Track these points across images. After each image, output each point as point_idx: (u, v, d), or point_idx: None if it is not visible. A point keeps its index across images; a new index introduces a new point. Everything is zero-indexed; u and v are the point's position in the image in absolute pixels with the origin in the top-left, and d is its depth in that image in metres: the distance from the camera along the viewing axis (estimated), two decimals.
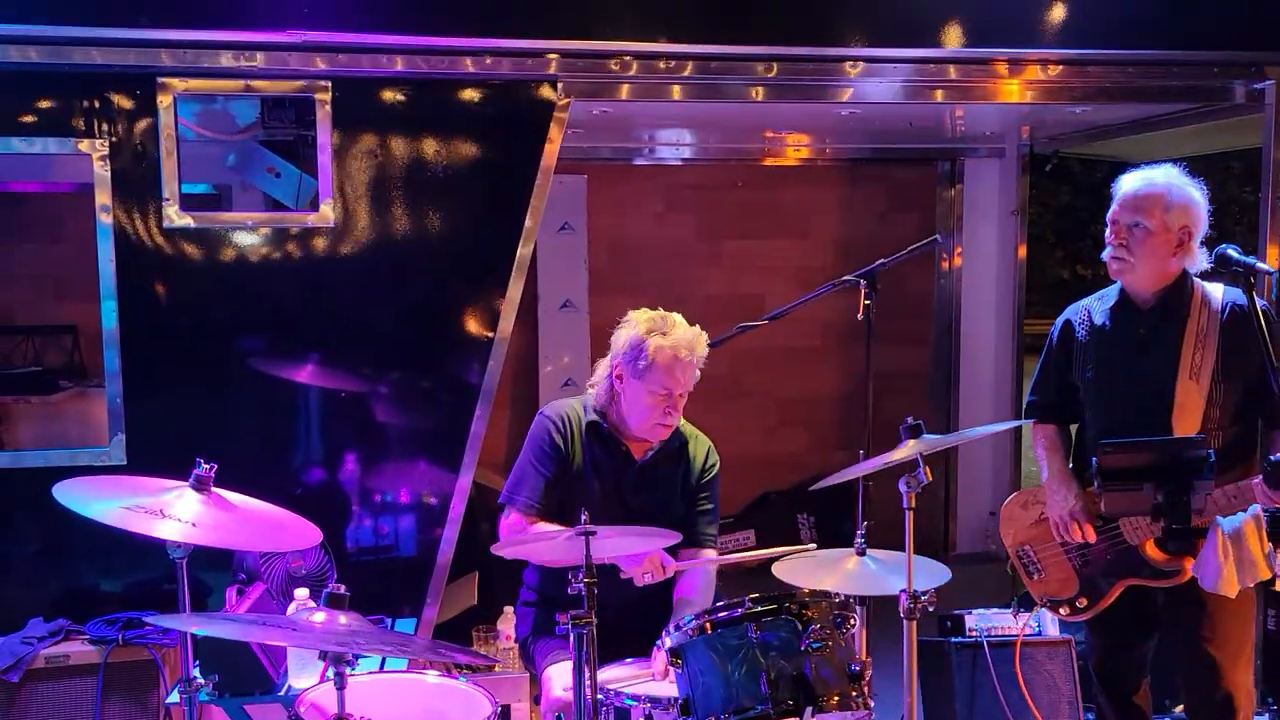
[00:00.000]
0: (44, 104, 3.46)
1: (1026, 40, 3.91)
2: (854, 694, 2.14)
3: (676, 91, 3.78)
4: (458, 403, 3.69)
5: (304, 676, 2.67)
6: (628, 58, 3.64)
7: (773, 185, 6.30)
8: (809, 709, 2.03)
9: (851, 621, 2.25)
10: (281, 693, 2.67)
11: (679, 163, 6.13)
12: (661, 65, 3.70)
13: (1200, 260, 2.84)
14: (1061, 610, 3.10)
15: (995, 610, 3.71)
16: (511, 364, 5.83)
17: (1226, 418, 2.78)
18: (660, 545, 2.39)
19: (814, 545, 2.79)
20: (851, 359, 6.29)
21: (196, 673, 2.43)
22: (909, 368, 6.29)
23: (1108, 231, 2.91)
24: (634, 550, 2.50)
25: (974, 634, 3.61)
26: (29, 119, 3.47)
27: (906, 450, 2.43)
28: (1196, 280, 2.89)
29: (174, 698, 2.49)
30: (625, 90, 3.71)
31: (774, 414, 6.46)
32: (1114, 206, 2.90)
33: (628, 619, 2.78)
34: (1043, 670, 3.59)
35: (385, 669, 2.75)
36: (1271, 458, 2.15)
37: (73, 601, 3.45)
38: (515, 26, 3.57)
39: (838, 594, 2.27)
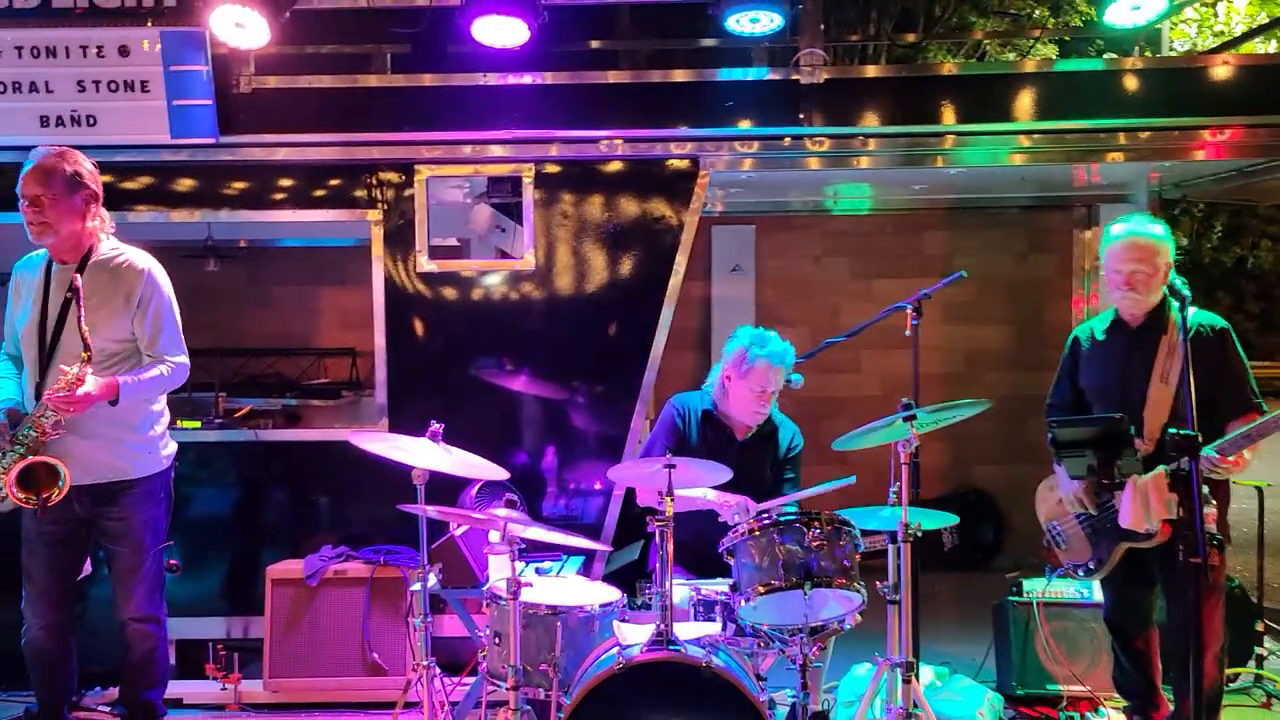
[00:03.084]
0: (337, 184, 4.89)
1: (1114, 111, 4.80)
2: (844, 580, 3.12)
3: (805, 163, 4.86)
4: (620, 405, 4.84)
5: (498, 576, 3.86)
6: (751, 140, 4.76)
7: (919, 230, 7.16)
8: (808, 584, 3.03)
9: (846, 533, 3.21)
10: (484, 588, 3.88)
11: (834, 213, 7.09)
12: (786, 142, 4.80)
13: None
14: (1080, 572, 3.86)
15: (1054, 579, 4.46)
16: (687, 382, 6.94)
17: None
18: (718, 479, 3.41)
19: (853, 477, 3.70)
20: (991, 384, 7.04)
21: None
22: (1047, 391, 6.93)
23: (1116, 276, 3.67)
24: (700, 478, 3.49)
25: (1028, 596, 4.41)
26: (325, 194, 4.91)
27: (898, 420, 3.36)
28: (1174, 303, 3.65)
29: (415, 586, 3.76)
30: (748, 164, 4.82)
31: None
32: (1116, 256, 3.65)
33: None
34: (1087, 627, 4.34)
35: (560, 575, 3.94)
36: (1169, 430, 2.94)
37: (351, 536, 4.84)
38: (665, 119, 4.76)
39: (837, 515, 3.24)
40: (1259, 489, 4.81)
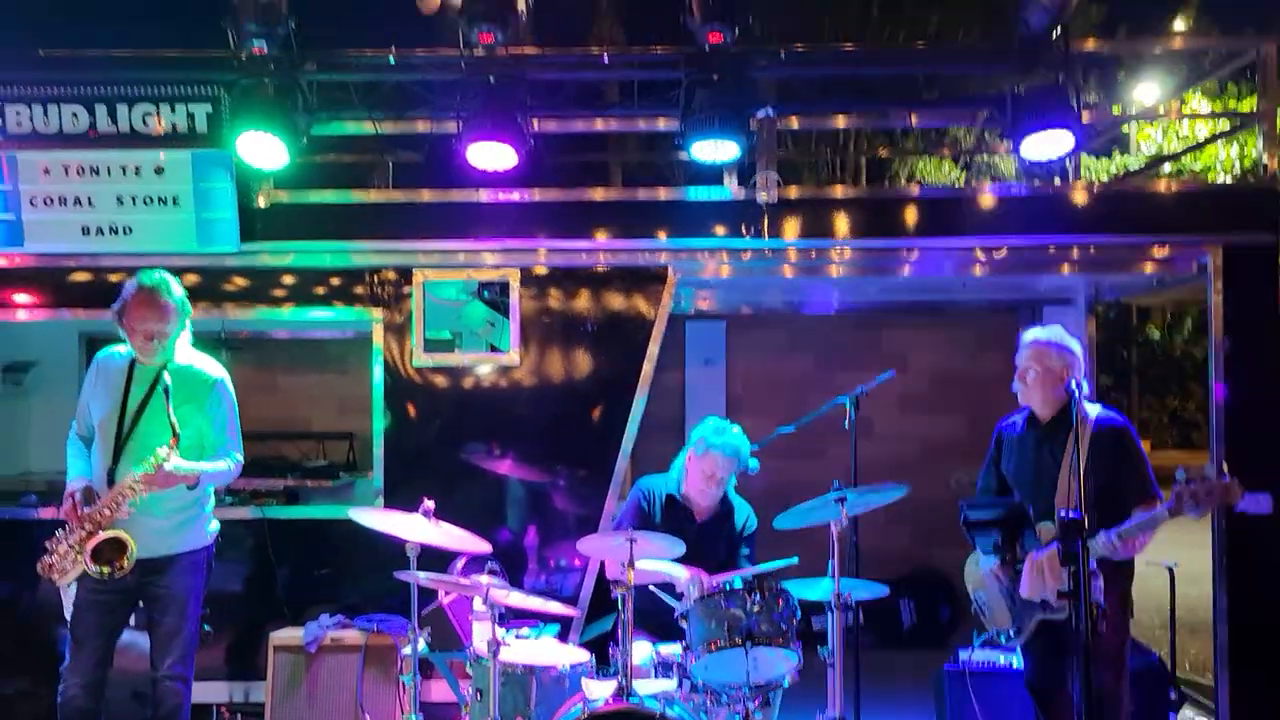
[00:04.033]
0: (342, 285, 5.43)
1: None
2: (780, 639, 3.58)
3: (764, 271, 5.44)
4: (596, 487, 5.33)
5: (481, 639, 4.30)
6: (717, 251, 5.35)
7: (878, 327, 7.74)
8: (748, 643, 3.49)
9: (785, 600, 3.68)
10: (468, 650, 4.31)
11: (800, 311, 7.66)
12: (747, 255, 5.38)
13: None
14: (1003, 638, 4.31)
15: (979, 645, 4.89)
16: (663, 467, 7.43)
17: (1096, 499, 4.02)
18: (674, 553, 3.88)
19: (795, 558, 4.15)
20: (945, 473, 7.51)
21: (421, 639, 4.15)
22: None
23: (1014, 371, 4.24)
24: (658, 550, 3.95)
25: (962, 664, 4.85)
26: (331, 294, 5.45)
27: (830, 502, 3.85)
28: (1083, 402, 4.17)
29: (407, 650, 4.19)
30: (720, 270, 5.41)
31: (883, 515, 7.70)
32: (1017, 354, 4.24)
33: None
34: (1018, 692, 4.76)
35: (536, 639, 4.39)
36: (1059, 513, 3.44)
37: (348, 606, 5.25)
38: (639, 230, 5.34)
39: (776, 584, 3.71)
40: (1169, 569, 5.28)
